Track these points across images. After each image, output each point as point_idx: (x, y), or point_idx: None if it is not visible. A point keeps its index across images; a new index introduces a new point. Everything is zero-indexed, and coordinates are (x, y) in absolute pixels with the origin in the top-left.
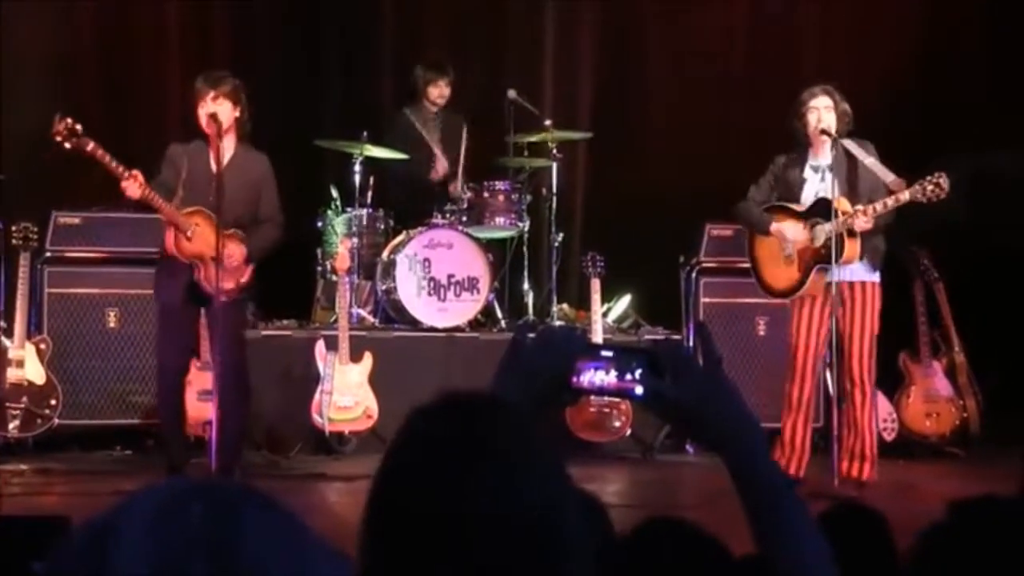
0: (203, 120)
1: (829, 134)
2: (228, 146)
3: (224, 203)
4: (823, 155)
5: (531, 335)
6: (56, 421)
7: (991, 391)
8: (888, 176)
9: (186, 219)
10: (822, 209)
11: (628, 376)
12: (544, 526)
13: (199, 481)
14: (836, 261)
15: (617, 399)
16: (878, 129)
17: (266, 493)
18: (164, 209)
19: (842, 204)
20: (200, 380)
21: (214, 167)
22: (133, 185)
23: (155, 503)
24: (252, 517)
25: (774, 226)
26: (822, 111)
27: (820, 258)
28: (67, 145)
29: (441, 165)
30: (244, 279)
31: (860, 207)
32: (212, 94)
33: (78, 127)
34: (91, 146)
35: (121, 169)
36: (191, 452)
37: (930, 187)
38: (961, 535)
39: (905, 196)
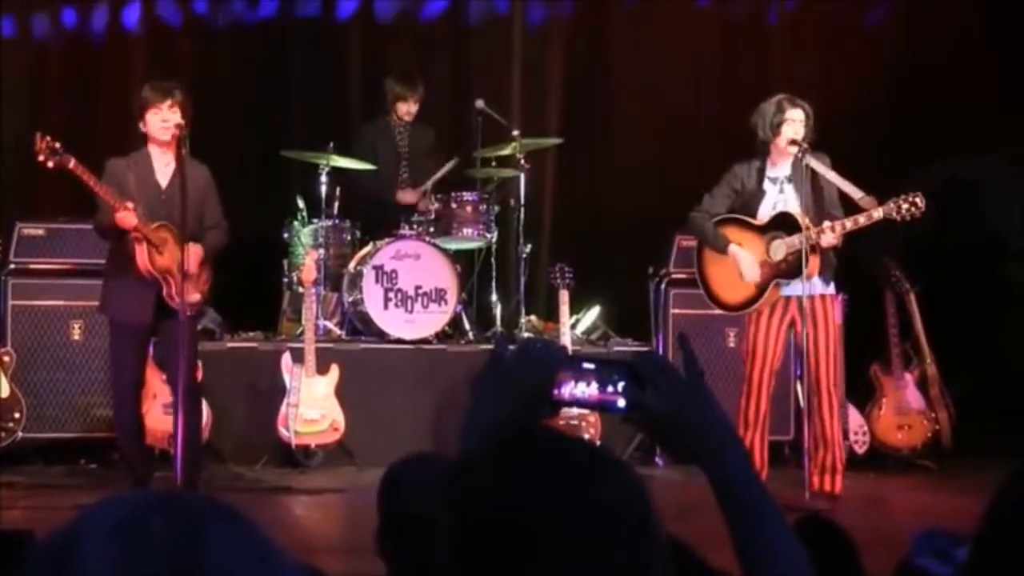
0: (155, 127)
1: (798, 144)
2: (170, 157)
3: (181, 215)
4: (781, 166)
5: (511, 347)
6: (20, 434)
7: (963, 401)
8: (856, 192)
9: (156, 234)
10: (782, 223)
11: (610, 388)
12: (626, 525)
13: (161, 493)
14: (804, 276)
15: (587, 411)
16: (848, 133)
17: (229, 505)
18: (144, 230)
19: (804, 220)
20: (165, 393)
21: (162, 178)
22: (130, 216)
23: (116, 516)
24: (216, 529)
25: (732, 249)
26: (797, 124)
27: (778, 273)
28: (49, 164)
29: (411, 194)
30: (205, 288)
31: (828, 223)
32: (168, 103)
33: (57, 144)
34: (72, 163)
35: (118, 202)
36: (155, 466)
37: (905, 206)
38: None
39: (878, 214)
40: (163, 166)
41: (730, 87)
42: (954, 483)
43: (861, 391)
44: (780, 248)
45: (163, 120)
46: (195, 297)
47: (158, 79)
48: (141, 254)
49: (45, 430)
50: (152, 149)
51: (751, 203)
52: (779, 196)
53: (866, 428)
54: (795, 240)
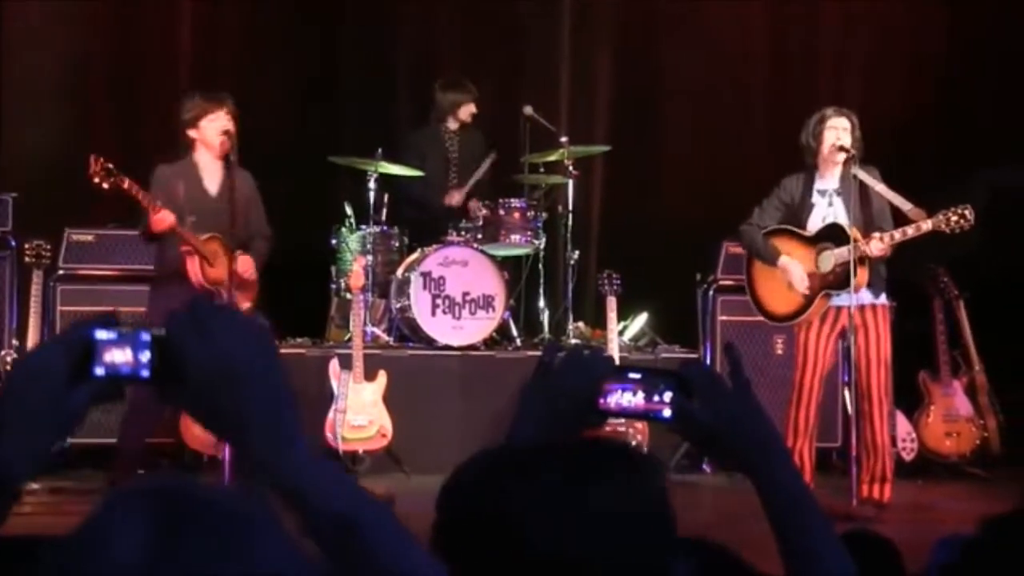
0: (212, 135)
1: (846, 150)
2: (218, 165)
3: (232, 224)
4: (830, 179)
5: (559, 356)
6: (68, 440)
7: (1014, 411)
8: (905, 204)
9: (207, 246)
10: (831, 235)
11: (656, 398)
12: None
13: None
14: (851, 287)
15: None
16: (894, 147)
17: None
18: (191, 239)
19: (852, 231)
20: None
21: (211, 186)
22: (168, 216)
23: (150, 510)
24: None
25: (782, 261)
26: (840, 131)
27: (826, 284)
28: (105, 185)
29: (457, 196)
30: (254, 296)
31: (877, 234)
32: (225, 110)
33: (110, 165)
34: (127, 183)
35: (153, 204)
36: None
37: (955, 218)
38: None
39: (927, 226)
40: (211, 174)
41: (779, 93)
42: (1003, 491)
43: (909, 398)
44: (829, 259)
45: (221, 127)
46: (245, 306)
47: (204, 89)
48: (193, 267)
49: (94, 436)
50: (200, 157)
51: (801, 215)
52: (828, 209)
53: (914, 435)
54: (844, 251)
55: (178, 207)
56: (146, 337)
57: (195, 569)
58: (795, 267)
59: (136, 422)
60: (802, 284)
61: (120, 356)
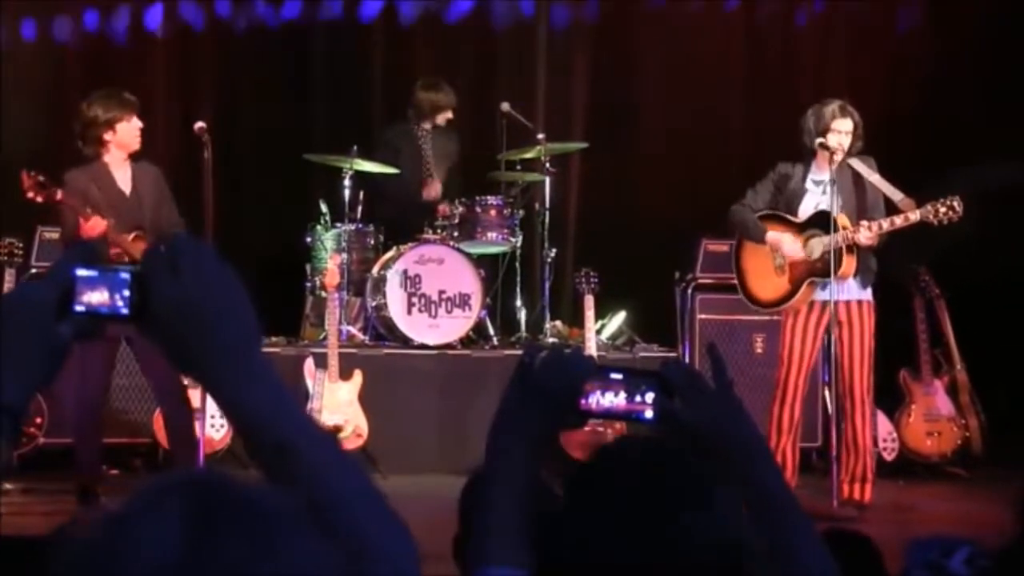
0: (130, 137)
1: (828, 148)
2: (127, 164)
3: (149, 219)
4: (826, 169)
5: (539, 356)
6: (41, 440)
7: (996, 411)
8: (896, 195)
9: (135, 247)
10: (821, 222)
11: (638, 399)
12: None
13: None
14: (838, 274)
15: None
16: (877, 138)
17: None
18: (121, 242)
19: (842, 219)
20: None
21: (124, 185)
22: (100, 223)
23: (184, 503)
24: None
25: (771, 235)
26: (843, 136)
27: (813, 271)
28: (39, 199)
29: (434, 188)
30: None
31: (864, 222)
32: (136, 111)
33: (41, 178)
34: (60, 194)
35: (83, 212)
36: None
37: (943, 209)
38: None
39: (915, 216)
40: (122, 173)
41: (757, 91)
42: (984, 491)
43: (890, 397)
44: (817, 246)
45: (137, 128)
46: None
47: (103, 88)
48: None
49: (67, 435)
50: (110, 158)
51: (793, 203)
52: (822, 197)
53: (895, 435)
54: (827, 239)
55: (96, 208)
56: (125, 275)
57: (228, 567)
58: (784, 237)
59: (89, 421)
60: (795, 249)
61: (98, 295)
